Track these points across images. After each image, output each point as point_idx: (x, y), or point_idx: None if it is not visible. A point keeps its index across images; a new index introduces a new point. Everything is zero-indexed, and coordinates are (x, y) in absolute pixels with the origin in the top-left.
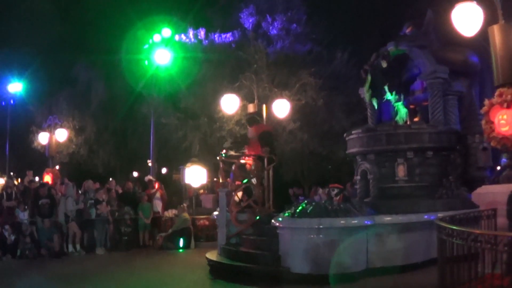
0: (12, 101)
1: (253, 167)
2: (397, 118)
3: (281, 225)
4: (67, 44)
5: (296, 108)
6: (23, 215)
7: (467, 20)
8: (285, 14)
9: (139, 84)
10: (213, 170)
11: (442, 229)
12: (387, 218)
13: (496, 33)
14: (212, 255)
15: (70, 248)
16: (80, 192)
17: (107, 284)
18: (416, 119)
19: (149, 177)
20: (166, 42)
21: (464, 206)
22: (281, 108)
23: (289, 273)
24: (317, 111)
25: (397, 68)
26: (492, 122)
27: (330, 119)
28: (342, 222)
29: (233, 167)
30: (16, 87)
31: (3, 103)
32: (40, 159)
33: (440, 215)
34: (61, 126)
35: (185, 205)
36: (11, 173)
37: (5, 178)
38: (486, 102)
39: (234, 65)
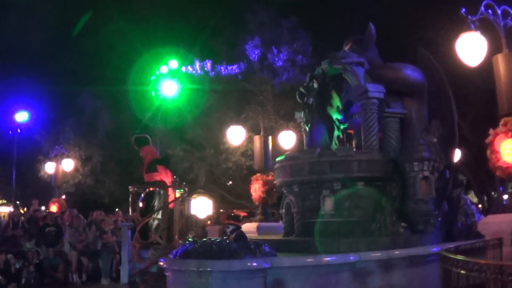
0: (19, 130)
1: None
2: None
3: (164, 266)
4: (73, 74)
5: (302, 139)
6: (29, 244)
7: (471, 50)
8: (291, 46)
9: (145, 115)
10: (220, 201)
11: (446, 259)
12: (288, 261)
13: (500, 62)
14: None
15: (75, 277)
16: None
17: None
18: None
19: None
20: (173, 74)
21: (395, 244)
22: (287, 139)
23: None
24: None
25: (334, 89)
26: (497, 152)
27: None
28: (225, 265)
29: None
30: (22, 116)
31: (10, 132)
32: (46, 189)
33: (363, 255)
34: (68, 156)
35: (190, 236)
36: (17, 202)
37: (11, 207)
38: (491, 131)
39: (240, 96)
